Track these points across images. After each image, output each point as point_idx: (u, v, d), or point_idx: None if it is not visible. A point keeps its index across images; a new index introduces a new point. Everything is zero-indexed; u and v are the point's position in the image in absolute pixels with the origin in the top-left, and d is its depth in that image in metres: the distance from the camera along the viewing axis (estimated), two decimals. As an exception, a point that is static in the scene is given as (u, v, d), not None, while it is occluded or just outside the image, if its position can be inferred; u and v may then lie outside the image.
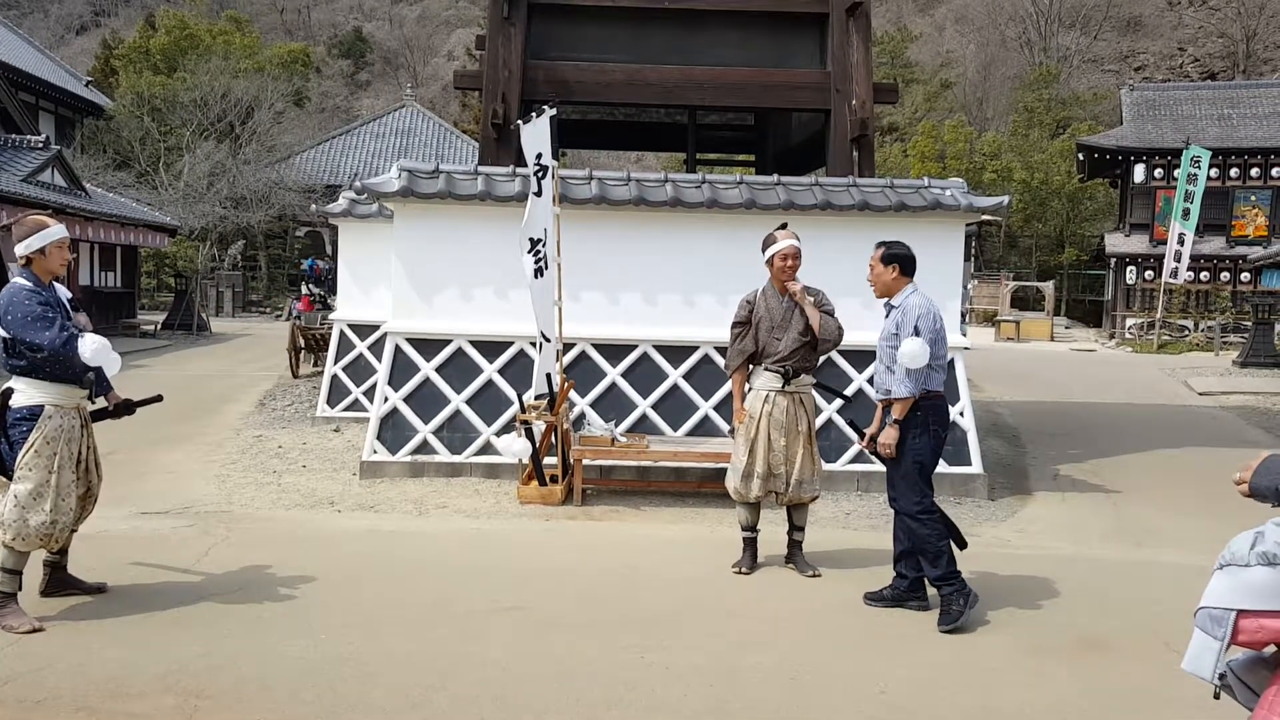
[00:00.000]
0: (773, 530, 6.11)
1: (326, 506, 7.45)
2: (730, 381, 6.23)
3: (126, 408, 5.12)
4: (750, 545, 5.98)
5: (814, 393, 6.11)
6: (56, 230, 4.85)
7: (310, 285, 20.49)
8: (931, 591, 5.23)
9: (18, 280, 4.74)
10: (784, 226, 6.01)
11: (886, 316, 5.41)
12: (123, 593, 5.11)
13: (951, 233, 8.54)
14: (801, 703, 4.07)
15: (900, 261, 5.36)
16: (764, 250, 5.91)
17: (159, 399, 5.39)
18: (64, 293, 4.93)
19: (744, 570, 5.89)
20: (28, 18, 57.82)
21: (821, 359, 7.29)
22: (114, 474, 7.91)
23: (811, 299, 5.84)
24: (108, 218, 21.76)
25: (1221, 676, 2.13)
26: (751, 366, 5.97)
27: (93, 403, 5.00)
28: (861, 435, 5.57)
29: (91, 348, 4.62)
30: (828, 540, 6.82)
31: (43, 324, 4.60)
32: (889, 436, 5.22)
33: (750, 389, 5.95)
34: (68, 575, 5.05)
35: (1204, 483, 9.17)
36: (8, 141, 20.55)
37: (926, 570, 5.16)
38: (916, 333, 5.10)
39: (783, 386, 5.80)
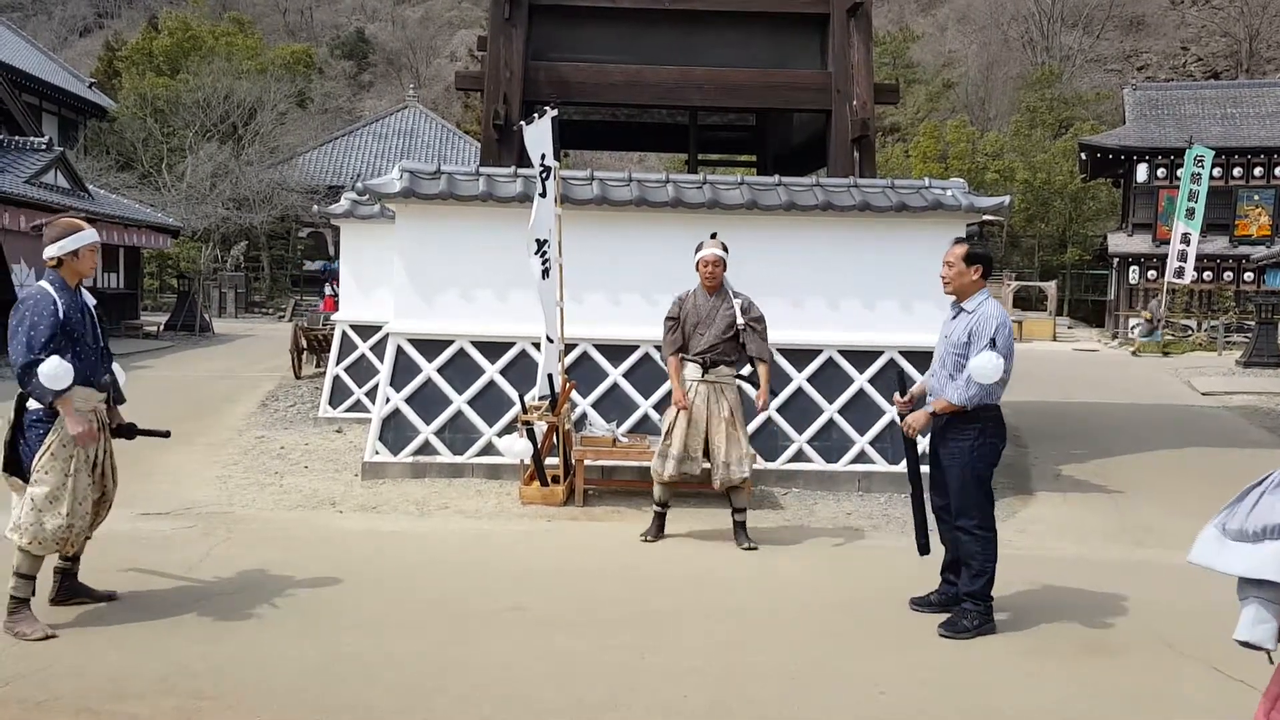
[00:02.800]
0: (768, 529, 6.11)
1: (328, 507, 7.46)
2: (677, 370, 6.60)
3: (128, 431, 5.07)
4: (659, 519, 6.63)
5: (741, 384, 6.58)
6: (89, 234, 4.86)
7: (336, 286, 20.63)
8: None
9: (46, 288, 4.67)
10: (714, 236, 6.59)
11: (953, 318, 5.11)
12: (124, 594, 5.11)
13: (952, 233, 8.46)
14: (801, 703, 4.07)
15: (984, 263, 5.05)
16: (694, 255, 6.54)
17: (166, 434, 5.39)
18: (89, 299, 4.90)
19: (649, 539, 6.53)
20: (31, 20, 57.89)
21: (820, 360, 7.37)
22: (116, 475, 7.91)
23: (738, 301, 6.43)
24: (111, 219, 21.78)
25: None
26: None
27: (109, 404, 4.94)
28: (906, 398, 5.31)
29: (42, 374, 4.46)
30: (829, 541, 6.83)
31: (26, 342, 4.49)
32: (918, 420, 5.05)
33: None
34: (79, 583, 5.01)
35: (1207, 483, 9.16)
36: (11, 143, 20.56)
37: (962, 582, 5.02)
38: (993, 345, 4.81)
39: (702, 376, 6.39)
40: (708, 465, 6.47)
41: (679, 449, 6.36)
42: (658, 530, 6.60)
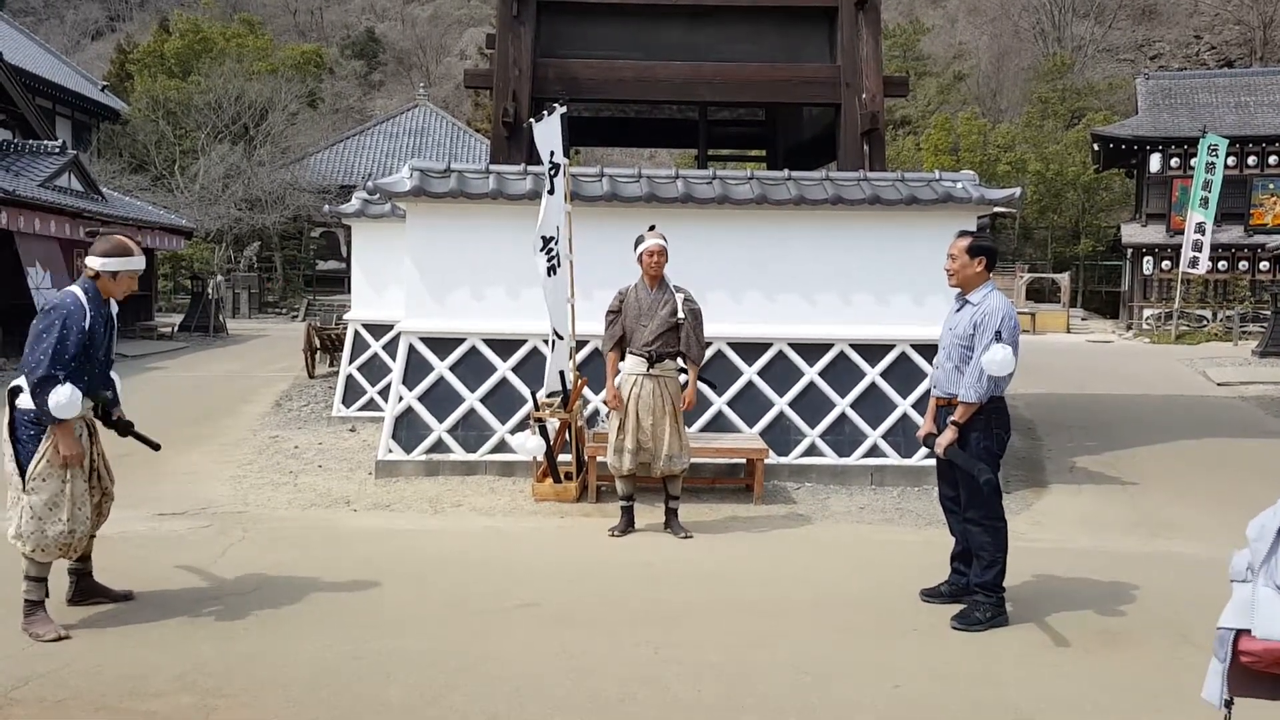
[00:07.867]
0: (781, 523, 6.11)
1: (342, 506, 7.49)
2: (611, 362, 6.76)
3: (124, 428, 5.04)
4: (627, 512, 6.70)
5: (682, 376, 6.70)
6: (137, 261, 4.84)
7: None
8: None
9: (80, 297, 4.66)
10: (653, 228, 6.72)
11: (957, 310, 5.16)
12: (141, 593, 5.15)
13: (963, 226, 8.47)
14: (815, 698, 4.07)
15: (987, 255, 5.07)
16: (635, 249, 6.62)
17: (157, 447, 5.28)
18: (113, 309, 4.92)
19: (618, 533, 6.60)
20: (43, 24, 58.13)
21: (832, 354, 7.34)
22: (131, 475, 7.98)
23: (679, 295, 6.56)
24: (124, 221, 21.90)
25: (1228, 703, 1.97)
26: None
27: (99, 414, 4.95)
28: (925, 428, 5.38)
29: (55, 400, 4.47)
30: (842, 535, 6.83)
31: (51, 354, 4.49)
32: (947, 439, 5.00)
33: (620, 373, 6.66)
34: (94, 583, 5.04)
35: (1222, 474, 9.12)
36: (25, 147, 20.69)
37: (974, 573, 5.02)
38: (999, 338, 4.81)
39: (647, 370, 6.50)
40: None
41: (633, 443, 6.52)
42: (627, 524, 6.67)
